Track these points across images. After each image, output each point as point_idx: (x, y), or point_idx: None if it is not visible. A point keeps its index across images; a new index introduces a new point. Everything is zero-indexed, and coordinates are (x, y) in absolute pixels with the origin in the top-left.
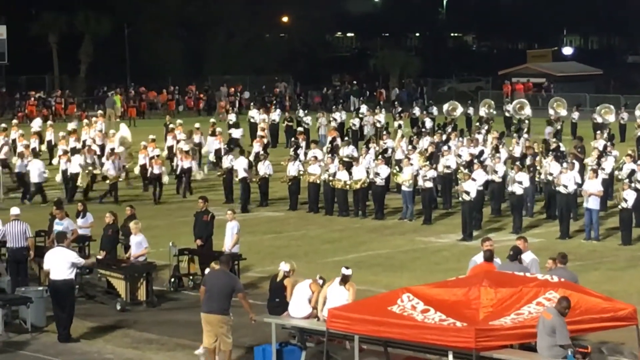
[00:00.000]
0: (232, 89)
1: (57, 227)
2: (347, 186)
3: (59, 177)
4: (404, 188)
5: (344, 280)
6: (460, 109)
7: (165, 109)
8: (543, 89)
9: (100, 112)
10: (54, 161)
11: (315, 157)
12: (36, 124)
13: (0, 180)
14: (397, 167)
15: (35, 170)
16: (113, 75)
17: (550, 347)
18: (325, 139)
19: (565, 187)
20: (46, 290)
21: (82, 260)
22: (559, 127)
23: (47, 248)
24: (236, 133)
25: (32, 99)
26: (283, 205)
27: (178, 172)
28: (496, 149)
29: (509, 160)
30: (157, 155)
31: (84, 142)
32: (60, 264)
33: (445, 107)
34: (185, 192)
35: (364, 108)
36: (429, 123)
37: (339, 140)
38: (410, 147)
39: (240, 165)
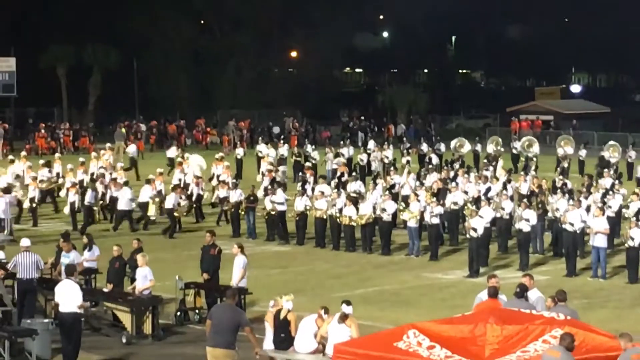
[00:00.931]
0: (241, 124)
1: (64, 259)
2: (354, 222)
3: (67, 210)
4: (410, 224)
5: (343, 318)
6: (467, 146)
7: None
8: (551, 126)
9: (109, 145)
10: (62, 193)
11: (322, 192)
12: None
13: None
14: (403, 204)
15: (124, 198)
16: (121, 108)
17: None
18: (333, 174)
19: (572, 224)
20: (52, 322)
21: (81, 301)
22: (566, 165)
23: (54, 280)
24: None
25: (42, 131)
26: (291, 240)
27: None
28: (505, 186)
29: (516, 197)
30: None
31: (92, 174)
32: (69, 297)
33: (453, 143)
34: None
35: (371, 144)
36: (435, 159)
37: (346, 176)
38: (417, 183)
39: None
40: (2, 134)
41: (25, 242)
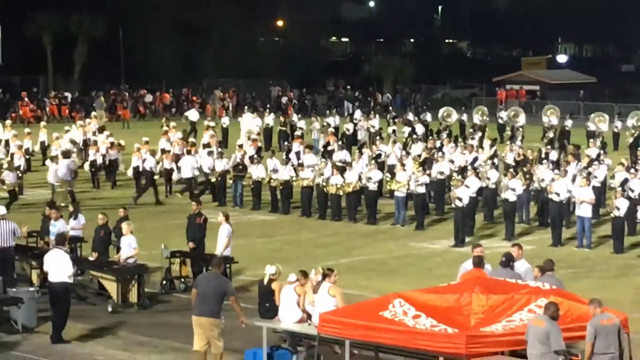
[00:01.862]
0: (226, 94)
1: (52, 228)
2: (340, 190)
3: (51, 178)
4: (397, 193)
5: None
6: (455, 116)
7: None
8: (537, 96)
9: (94, 113)
10: (47, 162)
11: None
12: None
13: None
14: (388, 174)
15: (188, 165)
16: (107, 77)
17: (543, 354)
18: (319, 143)
19: (558, 194)
20: (37, 290)
21: (71, 270)
22: (551, 135)
23: (39, 249)
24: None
25: (26, 99)
26: (275, 208)
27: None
28: (492, 156)
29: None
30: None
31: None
32: (58, 266)
33: (440, 113)
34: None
35: (358, 113)
36: (421, 129)
37: (334, 145)
38: (403, 152)
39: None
40: None
41: (1, 210)
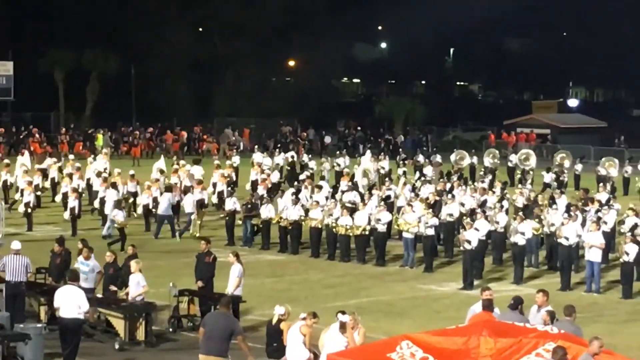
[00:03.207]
0: (237, 132)
1: (83, 267)
2: (349, 231)
3: (67, 215)
4: (405, 235)
5: (343, 326)
6: (468, 159)
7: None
8: (548, 140)
9: (105, 150)
10: (57, 198)
11: (318, 202)
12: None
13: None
14: (397, 215)
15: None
16: (118, 114)
17: None
18: (329, 183)
19: (567, 238)
20: (45, 327)
21: (87, 306)
22: (563, 179)
23: (48, 285)
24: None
25: (36, 135)
26: (284, 248)
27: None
28: (501, 199)
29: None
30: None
31: (88, 179)
32: (70, 302)
33: (453, 157)
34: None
35: (368, 154)
36: (430, 171)
37: (342, 186)
38: (412, 194)
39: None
40: None
41: (15, 245)
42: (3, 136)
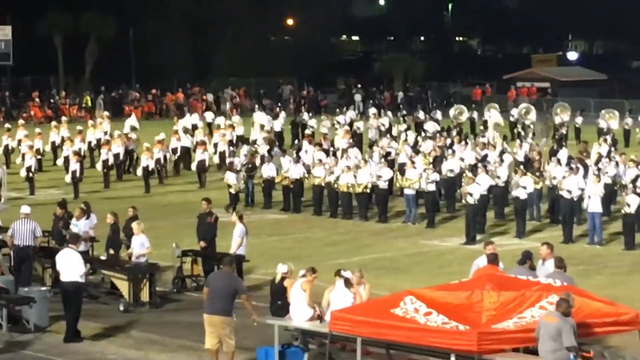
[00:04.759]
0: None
1: (73, 227)
2: (351, 189)
3: (68, 178)
4: (407, 191)
5: (348, 282)
6: (466, 114)
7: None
8: (548, 93)
9: (106, 113)
10: (59, 162)
11: (320, 160)
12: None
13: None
14: (399, 174)
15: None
16: (118, 77)
17: (554, 351)
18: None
19: (569, 191)
20: (49, 290)
21: (83, 269)
22: (563, 132)
23: (51, 248)
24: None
25: (36, 99)
26: (287, 207)
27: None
28: (501, 153)
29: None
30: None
31: (90, 142)
32: (68, 266)
33: (452, 111)
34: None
35: (371, 111)
36: (431, 127)
37: (344, 143)
38: (412, 152)
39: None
40: None
41: (25, 209)
42: (3, 100)
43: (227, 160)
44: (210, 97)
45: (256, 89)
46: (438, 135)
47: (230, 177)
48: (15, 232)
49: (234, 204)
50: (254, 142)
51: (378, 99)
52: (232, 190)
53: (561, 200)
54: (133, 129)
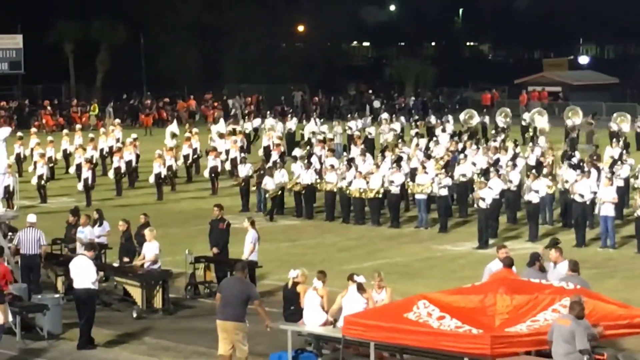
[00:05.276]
0: (249, 99)
1: (79, 234)
2: (363, 194)
3: (80, 186)
4: (418, 196)
5: (361, 287)
6: (476, 118)
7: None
8: (560, 97)
9: (118, 120)
10: (71, 170)
11: (332, 166)
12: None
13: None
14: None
15: None
16: (129, 84)
17: (568, 353)
18: (341, 147)
19: (581, 195)
20: (62, 297)
21: (95, 277)
22: (574, 136)
23: (64, 256)
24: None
25: (48, 107)
26: (299, 213)
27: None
28: (514, 157)
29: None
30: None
31: (102, 150)
32: (81, 273)
33: (462, 116)
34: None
35: (384, 115)
36: (442, 132)
37: (355, 149)
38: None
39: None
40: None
41: (31, 218)
42: (15, 109)
43: (266, 166)
44: (230, 102)
45: (267, 96)
46: (449, 139)
47: (268, 182)
48: (21, 241)
49: (273, 209)
50: (267, 148)
51: (397, 104)
52: (268, 195)
53: (573, 204)
54: (174, 135)
